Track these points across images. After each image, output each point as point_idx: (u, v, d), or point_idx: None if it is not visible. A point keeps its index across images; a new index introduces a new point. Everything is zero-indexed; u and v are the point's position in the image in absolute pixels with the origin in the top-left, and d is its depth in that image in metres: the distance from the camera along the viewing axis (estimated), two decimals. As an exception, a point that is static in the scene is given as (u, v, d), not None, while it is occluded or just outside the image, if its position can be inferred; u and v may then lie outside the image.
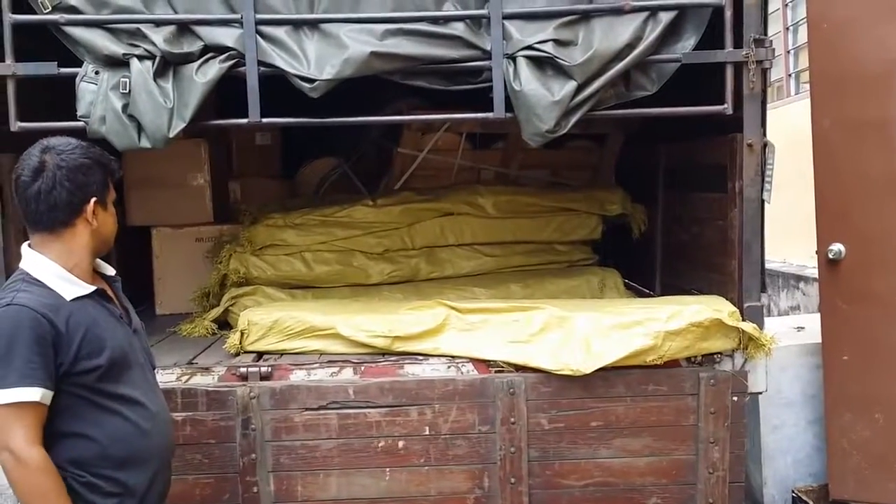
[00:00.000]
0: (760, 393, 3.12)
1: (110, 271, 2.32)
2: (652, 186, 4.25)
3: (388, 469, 3.05)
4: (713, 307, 3.00)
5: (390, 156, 4.62)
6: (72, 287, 2.12)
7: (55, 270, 2.12)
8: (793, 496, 4.16)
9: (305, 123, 3.10)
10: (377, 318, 3.21)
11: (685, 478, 3.07)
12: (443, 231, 4.19)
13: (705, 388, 3.02)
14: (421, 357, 3.14)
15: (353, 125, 4.71)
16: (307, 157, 5.13)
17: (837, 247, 3.88)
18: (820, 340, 4.06)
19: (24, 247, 2.17)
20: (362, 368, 3.10)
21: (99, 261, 2.28)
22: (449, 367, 3.10)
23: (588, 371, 2.94)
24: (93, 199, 2.15)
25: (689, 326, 2.94)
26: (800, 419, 4.32)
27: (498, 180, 4.66)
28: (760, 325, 3.06)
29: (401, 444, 3.05)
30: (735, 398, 3.04)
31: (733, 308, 3.03)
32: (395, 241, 4.12)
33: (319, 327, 3.21)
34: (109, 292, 2.27)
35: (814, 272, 6.36)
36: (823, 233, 3.92)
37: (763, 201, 3.11)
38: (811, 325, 4.66)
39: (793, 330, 4.69)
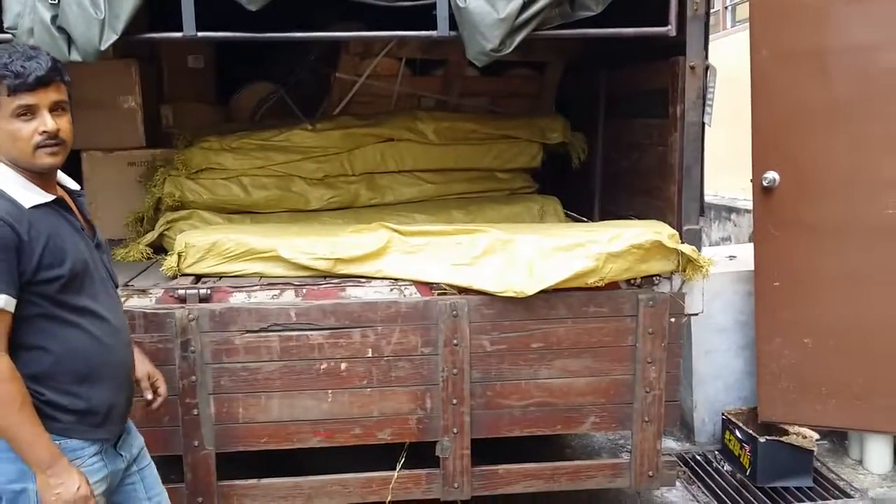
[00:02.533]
0: (697, 314, 3.18)
1: (74, 185, 2.25)
2: (592, 114, 4.26)
3: (330, 391, 3.04)
4: (653, 230, 3.03)
5: (328, 81, 4.52)
6: (31, 195, 2.04)
7: (12, 176, 2.04)
8: (722, 419, 4.31)
9: (243, 39, 2.99)
10: (319, 240, 3.17)
11: (623, 397, 3.13)
12: (383, 157, 4.14)
13: (644, 310, 3.07)
14: (363, 279, 3.12)
15: (290, 48, 4.70)
16: (242, 82, 4.98)
17: (772, 175, 3.96)
18: (751, 268, 4.17)
19: None
20: (304, 291, 3.06)
21: (62, 174, 2.21)
22: (392, 289, 3.08)
23: (531, 293, 2.95)
24: None
25: (629, 248, 2.97)
26: (731, 345, 4.46)
27: (438, 108, 4.60)
28: (699, 248, 3.11)
29: (343, 366, 3.04)
30: (672, 319, 3.10)
31: (673, 231, 3.07)
32: (334, 167, 4.05)
33: (259, 250, 3.15)
34: (73, 206, 2.19)
35: (744, 204, 6.50)
36: (759, 161, 4.00)
37: (704, 125, 3.13)
38: (742, 255, 4.79)
39: (725, 259, 4.80)
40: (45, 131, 2.04)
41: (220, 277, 3.18)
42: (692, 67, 3.07)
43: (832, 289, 3.90)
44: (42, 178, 2.10)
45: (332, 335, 3.01)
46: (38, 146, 2.05)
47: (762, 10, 3.94)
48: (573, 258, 2.97)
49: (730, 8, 9.71)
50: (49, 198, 2.08)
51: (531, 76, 4.77)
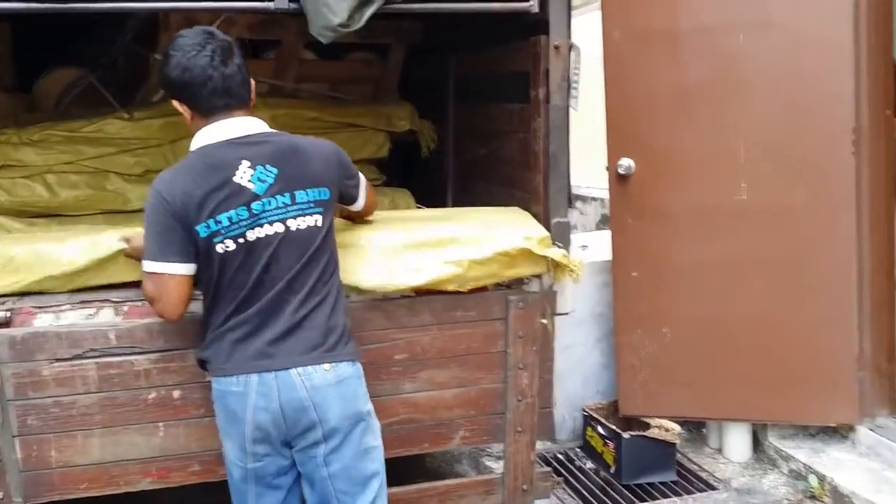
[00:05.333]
0: (567, 314, 2.97)
1: None
2: (441, 100, 3.99)
3: (161, 424, 2.62)
4: (522, 233, 2.79)
5: (146, 64, 4.03)
6: None
7: None
8: (583, 415, 4.16)
9: (38, 10, 2.49)
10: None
11: (494, 407, 2.89)
12: (213, 148, 3.70)
13: (514, 312, 2.83)
14: (197, 292, 2.69)
15: (103, 27, 4.14)
16: (49, 67, 4.37)
17: (627, 162, 3.82)
18: (606, 258, 4.03)
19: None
20: (125, 308, 2.60)
21: None
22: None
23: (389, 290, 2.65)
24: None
25: (495, 256, 2.72)
26: (588, 338, 4.32)
27: (272, 94, 4.20)
28: (568, 242, 2.90)
29: (176, 393, 2.62)
30: (543, 320, 2.88)
31: (543, 233, 2.84)
32: (156, 161, 3.59)
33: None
34: None
35: (590, 191, 6.46)
36: (614, 148, 3.86)
37: (569, 109, 2.92)
38: (594, 244, 4.66)
39: (577, 249, 4.67)
40: None
41: (22, 296, 2.66)
42: (556, 47, 2.85)
43: (689, 277, 3.82)
44: None
45: (161, 359, 2.59)
46: None
47: (612, -11, 3.80)
48: (434, 261, 2.68)
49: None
50: None
51: (372, 60, 4.46)
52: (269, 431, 2.26)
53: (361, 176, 2.58)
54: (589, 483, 3.86)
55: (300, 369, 2.25)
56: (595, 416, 4.05)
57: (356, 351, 2.38)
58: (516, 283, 2.88)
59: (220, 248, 2.21)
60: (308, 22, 2.60)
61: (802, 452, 3.84)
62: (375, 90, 4.52)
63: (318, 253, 2.30)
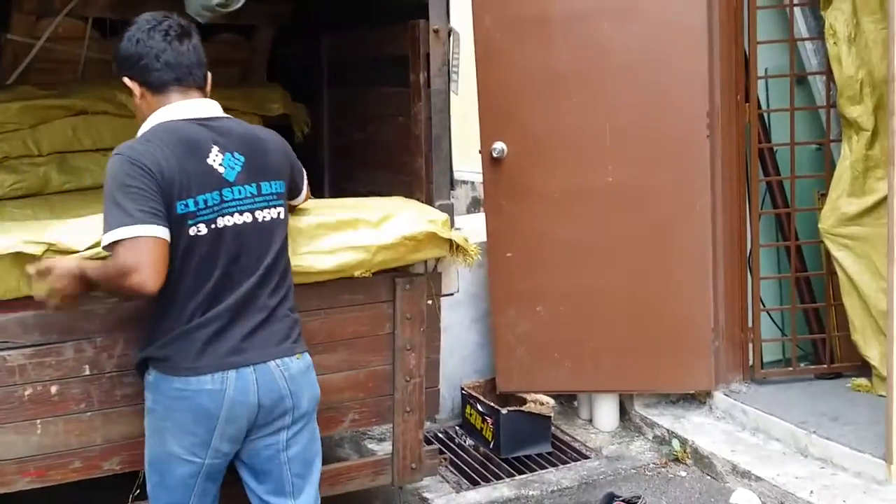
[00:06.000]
0: (453, 294, 3.03)
1: None
2: (314, 83, 3.95)
3: (39, 421, 2.49)
4: (426, 216, 2.81)
5: (-3, 46, 3.79)
6: None
7: None
8: (462, 393, 4.25)
9: None
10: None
11: (383, 389, 2.91)
12: (76, 133, 3.56)
13: (401, 293, 2.85)
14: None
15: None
16: None
17: (500, 145, 3.92)
18: (478, 240, 4.12)
19: None
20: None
21: None
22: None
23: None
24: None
25: (402, 240, 2.73)
26: (464, 318, 4.40)
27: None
28: (451, 225, 2.95)
29: (54, 389, 2.50)
30: (430, 301, 2.92)
31: (444, 217, 2.87)
32: (15, 146, 3.41)
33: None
34: None
35: (458, 174, 6.56)
36: (487, 131, 3.95)
37: (450, 93, 2.96)
38: (466, 226, 4.74)
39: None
40: None
41: None
42: (436, 31, 2.88)
43: (561, 256, 3.96)
44: None
45: (36, 353, 2.46)
46: None
47: (483, -27, 3.86)
48: (340, 245, 2.67)
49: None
50: None
51: (239, 41, 4.36)
52: (241, 425, 2.22)
53: (303, 169, 2.54)
54: (469, 459, 3.95)
55: (278, 361, 2.24)
56: (473, 394, 4.14)
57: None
58: (402, 266, 2.91)
59: (192, 231, 2.11)
60: (185, 2, 2.52)
61: (665, 419, 4.06)
62: (243, 73, 4.42)
63: (282, 246, 2.29)
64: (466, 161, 4.63)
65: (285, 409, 2.27)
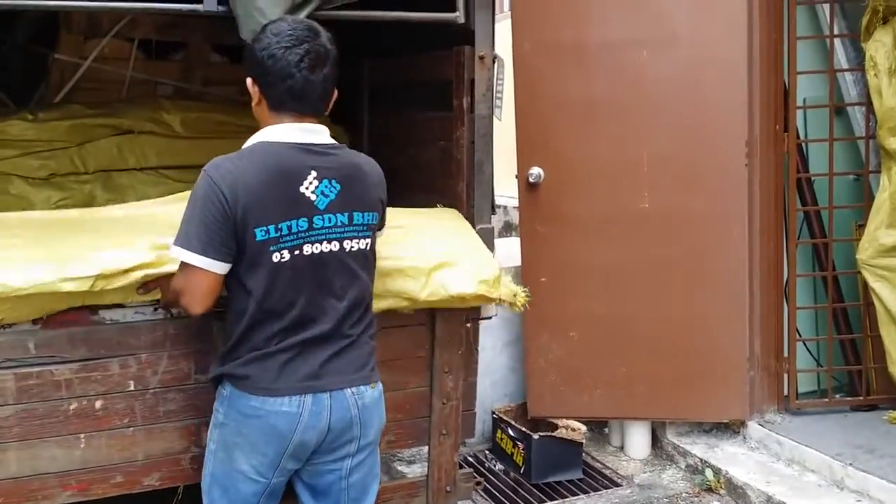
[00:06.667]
0: (490, 318, 3.04)
1: None
2: (355, 107, 3.99)
3: (83, 435, 2.52)
4: (476, 276, 2.73)
5: (44, 64, 3.87)
6: None
7: None
8: (493, 417, 4.25)
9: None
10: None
11: (420, 411, 2.91)
12: (121, 151, 3.60)
13: (439, 316, 2.86)
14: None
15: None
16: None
17: (537, 170, 3.94)
18: (515, 264, 4.14)
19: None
20: (44, 316, 2.50)
21: None
22: (156, 308, 2.61)
23: None
24: (335, 93, 2.32)
25: (449, 297, 2.71)
26: (497, 341, 4.41)
27: (178, 96, 4.11)
28: (491, 247, 2.96)
29: (99, 404, 2.53)
30: (468, 324, 2.93)
31: (495, 271, 2.80)
32: (62, 164, 3.46)
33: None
34: None
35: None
36: (524, 156, 3.97)
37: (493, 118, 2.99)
38: (500, 250, 4.76)
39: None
40: None
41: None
42: (481, 58, 2.91)
43: (595, 282, 3.97)
44: None
45: (82, 368, 2.49)
46: None
47: (523, 2, 3.91)
48: (387, 291, 2.66)
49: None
50: None
51: (280, 64, 4.40)
52: (308, 448, 2.22)
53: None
54: (500, 484, 3.95)
55: (354, 389, 2.24)
56: (505, 418, 4.14)
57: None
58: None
59: (275, 257, 2.11)
60: (238, 25, 2.57)
61: (698, 448, 4.04)
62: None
63: (368, 276, 2.29)
64: (499, 185, 4.66)
65: (352, 437, 2.27)
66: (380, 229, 2.42)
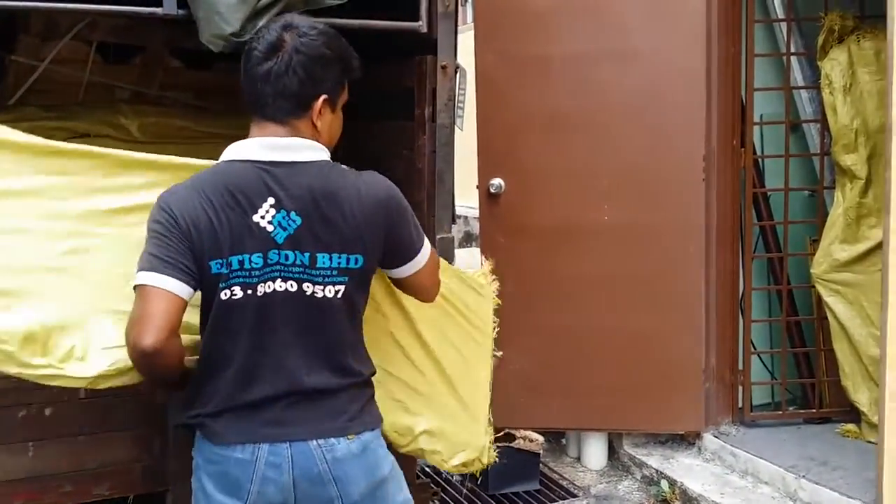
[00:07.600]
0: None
1: None
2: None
3: (31, 444, 2.47)
4: (470, 441, 2.61)
5: (1, 65, 3.79)
6: None
7: None
8: (451, 427, 4.23)
9: None
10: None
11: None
12: (77, 155, 3.52)
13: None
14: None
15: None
16: None
17: (498, 181, 3.95)
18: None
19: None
20: None
21: None
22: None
23: None
24: (322, 97, 1.97)
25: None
26: (456, 353, 4.39)
27: (135, 100, 4.05)
28: (451, 258, 2.96)
29: (48, 411, 2.48)
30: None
31: (486, 438, 2.67)
32: (16, 167, 3.37)
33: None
34: None
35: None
36: (485, 167, 3.98)
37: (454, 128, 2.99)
38: (460, 261, 4.77)
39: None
40: None
41: None
42: (443, 67, 2.91)
43: (556, 293, 3.98)
44: None
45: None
46: None
47: (486, 14, 3.93)
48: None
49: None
50: None
51: (239, 71, 4.37)
52: (274, 502, 1.93)
53: (425, 239, 2.11)
54: (457, 494, 3.93)
55: (321, 441, 1.92)
56: (462, 428, 4.12)
57: (379, 414, 2.09)
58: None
59: (223, 294, 1.85)
60: (198, 29, 2.54)
61: (654, 459, 4.07)
62: (241, 101, 4.43)
63: (345, 325, 1.96)
64: (460, 196, 4.66)
65: (330, 498, 1.94)
66: (397, 267, 2.08)
